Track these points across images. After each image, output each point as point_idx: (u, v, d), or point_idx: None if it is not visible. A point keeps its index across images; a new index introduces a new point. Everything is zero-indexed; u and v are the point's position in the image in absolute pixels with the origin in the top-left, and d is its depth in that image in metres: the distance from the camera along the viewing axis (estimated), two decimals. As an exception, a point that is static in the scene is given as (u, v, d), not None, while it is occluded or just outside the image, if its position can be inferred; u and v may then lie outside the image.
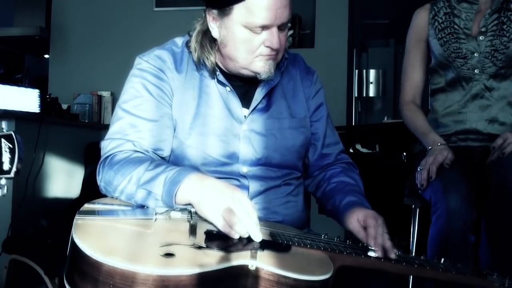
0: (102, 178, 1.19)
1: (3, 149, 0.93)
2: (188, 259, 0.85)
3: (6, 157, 0.93)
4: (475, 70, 1.83)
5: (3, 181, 0.95)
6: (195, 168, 1.22)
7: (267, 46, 1.20)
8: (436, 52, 1.91)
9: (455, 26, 1.88)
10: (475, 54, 1.83)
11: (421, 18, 1.96)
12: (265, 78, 1.25)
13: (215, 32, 1.25)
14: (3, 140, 0.94)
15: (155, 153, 1.23)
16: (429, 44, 1.94)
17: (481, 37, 1.84)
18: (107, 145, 1.22)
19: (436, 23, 1.91)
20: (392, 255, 1.08)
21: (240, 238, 0.99)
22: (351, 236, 1.21)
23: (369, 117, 5.30)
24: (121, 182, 1.13)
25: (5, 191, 0.95)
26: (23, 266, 2.34)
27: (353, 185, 1.38)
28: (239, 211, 0.99)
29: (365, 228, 1.16)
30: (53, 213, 3.05)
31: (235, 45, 1.21)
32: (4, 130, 0.96)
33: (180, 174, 1.08)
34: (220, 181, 1.09)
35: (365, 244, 1.13)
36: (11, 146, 0.93)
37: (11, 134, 0.94)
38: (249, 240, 0.98)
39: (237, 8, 1.17)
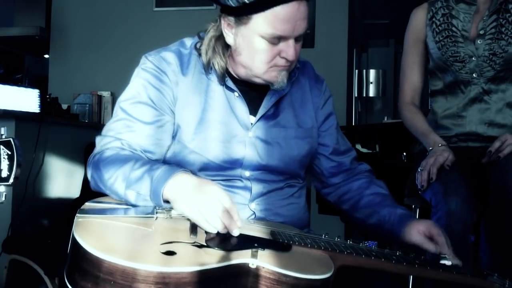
0: (91, 174, 1.20)
1: (1, 156, 0.92)
2: (189, 257, 0.85)
3: (4, 164, 0.92)
4: (473, 74, 1.82)
5: (2, 188, 0.94)
6: (197, 173, 1.22)
7: (283, 57, 1.19)
8: (434, 55, 1.89)
9: (453, 28, 1.85)
10: (473, 58, 1.81)
11: (418, 18, 1.94)
12: (277, 88, 1.24)
13: (229, 39, 1.23)
14: (1, 146, 0.92)
15: (144, 154, 1.23)
16: (427, 45, 1.93)
17: (479, 41, 1.81)
18: (100, 142, 1.23)
19: (434, 25, 1.89)
20: (459, 263, 1.09)
21: (241, 237, 0.99)
22: (411, 248, 1.20)
23: (369, 117, 5.30)
24: (108, 181, 1.13)
25: (3, 198, 0.94)
26: (23, 266, 2.34)
27: (388, 195, 1.38)
28: (216, 206, 0.99)
29: (430, 238, 1.17)
30: (53, 213, 3.04)
31: (251, 54, 1.20)
32: (3, 136, 0.95)
33: (166, 173, 1.08)
34: (203, 179, 1.09)
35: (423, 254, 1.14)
36: (9, 152, 0.92)
37: (9, 141, 0.93)
38: (247, 238, 0.99)
39: (256, 18, 1.15)
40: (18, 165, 0.92)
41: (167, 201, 1.07)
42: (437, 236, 1.16)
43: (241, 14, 1.17)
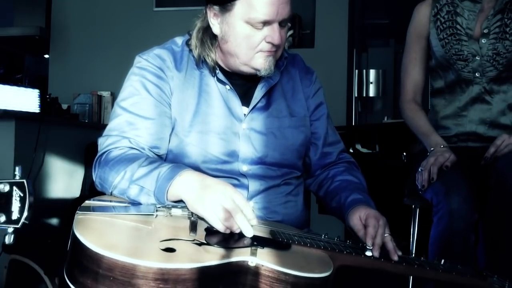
0: (98, 174, 1.20)
1: (13, 198, 0.91)
2: (188, 254, 0.85)
3: (16, 206, 0.92)
4: (476, 73, 1.81)
5: (10, 230, 0.92)
6: (195, 166, 1.22)
7: (268, 42, 1.20)
8: (437, 53, 1.89)
9: (457, 26, 1.84)
10: (477, 57, 1.81)
11: (422, 14, 1.92)
12: (265, 75, 1.25)
13: (216, 29, 1.25)
14: (14, 188, 0.91)
15: (151, 151, 1.23)
16: (429, 42, 1.92)
17: (483, 40, 1.81)
18: (104, 142, 1.23)
19: (438, 22, 1.88)
20: (395, 257, 1.09)
21: (240, 235, 0.99)
22: (352, 233, 1.21)
23: (369, 117, 5.29)
24: (115, 178, 1.14)
25: (11, 240, 0.93)
26: (23, 266, 2.34)
27: (358, 183, 1.38)
28: (231, 207, 0.99)
29: (365, 227, 1.17)
30: (53, 213, 3.05)
31: (236, 40, 1.22)
32: (17, 176, 0.94)
33: (173, 170, 1.09)
34: (212, 178, 1.10)
35: (364, 244, 1.13)
36: (22, 194, 0.92)
37: (23, 182, 0.93)
38: (244, 236, 0.99)
39: (239, 4, 1.18)
40: (29, 208, 0.92)
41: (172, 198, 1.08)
42: (368, 227, 1.15)
43: (226, 1, 1.19)
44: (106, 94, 4.09)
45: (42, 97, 3.23)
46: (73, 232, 0.87)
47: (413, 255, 1.14)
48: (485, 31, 1.82)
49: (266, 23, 1.18)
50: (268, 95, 1.34)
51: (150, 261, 0.80)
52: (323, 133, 1.43)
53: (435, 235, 1.57)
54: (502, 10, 1.82)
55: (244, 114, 1.30)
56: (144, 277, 0.79)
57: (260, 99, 1.31)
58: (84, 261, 0.82)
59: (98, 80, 4.18)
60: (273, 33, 1.19)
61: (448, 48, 1.85)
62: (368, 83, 4.95)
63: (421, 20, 1.92)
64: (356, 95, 4.39)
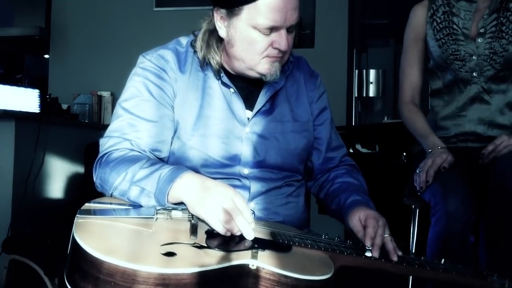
0: (98, 175, 1.19)
1: None
2: (189, 258, 0.85)
3: None
4: (474, 73, 1.82)
5: None
6: (196, 170, 1.22)
7: (275, 48, 1.19)
8: (434, 54, 1.89)
9: (454, 26, 1.85)
10: (474, 57, 1.81)
11: (418, 15, 1.93)
12: (270, 80, 1.25)
13: (222, 32, 1.24)
14: None
15: (152, 154, 1.23)
16: (427, 43, 1.92)
17: (479, 39, 1.81)
18: (105, 143, 1.23)
19: (435, 23, 1.89)
20: (394, 258, 1.09)
21: (241, 237, 0.99)
22: (352, 235, 1.21)
23: (369, 117, 5.29)
24: (116, 179, 1.14)
25: None
26: (23, 266, 2.34)
27: (358, 185, 1.38)
28: (231, 209, 0.99)
29: (365, 227, 1.17)
30: (53, 213, 3.05)
31: (243, 45, 1.21)
32: None
33: (174, 172, 1.09)
34: (213, 180, 1.09)
35: (362, 244, 1.13)
36: None
37: None
38: (245, 238, 0.99)
39: (247, 9, 1.16)
40: None
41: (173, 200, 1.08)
42: (368, 228, 1.15)
43: (233, 5, 1.18)
44: (106, 94, 4.09)
45: (42, 97, 3.23)
46: (73, 236, 0.87)
47: (413, 255, 1.15)
48: (481, 30, 1.82)
49: (273, 29, 1.17)
50: (272, 99, 1.33)
51: (151, 266, 0.79)
52: (326, 138, 1.43)
53: (433, 237, 1.57)
54: (497, 9, 1.83)
55: (248, 118, 1.29)
56: (145, 282, 0.78)
57: (264, 103, 1.31)
58: (85, 266, 0.82)
59: (98, 80, 4.18)
60: (280, 39, 1.18)
61: (445, 48, 1.85)
62: (368, 83, 4.95)
63: (417, 22, 1.93)
64: (356, 95, 4.39)
